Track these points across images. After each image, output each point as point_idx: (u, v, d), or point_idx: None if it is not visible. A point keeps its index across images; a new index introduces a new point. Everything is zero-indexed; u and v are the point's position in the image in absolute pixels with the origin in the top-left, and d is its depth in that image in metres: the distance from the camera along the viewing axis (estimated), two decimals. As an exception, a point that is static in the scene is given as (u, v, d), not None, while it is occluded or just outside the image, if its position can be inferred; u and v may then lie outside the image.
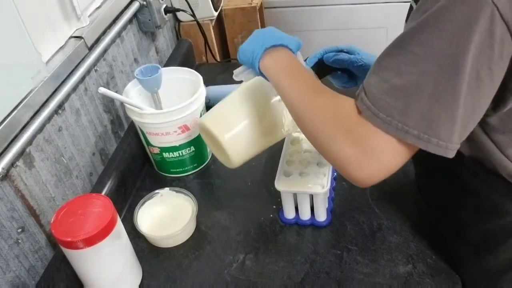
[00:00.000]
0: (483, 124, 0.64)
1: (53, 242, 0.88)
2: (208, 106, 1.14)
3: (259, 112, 0.84)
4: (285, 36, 0.75)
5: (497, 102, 0.59)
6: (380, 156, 0.58)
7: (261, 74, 0.75)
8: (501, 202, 0.70)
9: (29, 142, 0.83)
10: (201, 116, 1.05)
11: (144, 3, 1.22)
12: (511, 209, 0.69)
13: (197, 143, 1.08)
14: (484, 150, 0.67)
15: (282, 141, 0.99)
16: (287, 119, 0.86)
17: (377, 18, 1.86)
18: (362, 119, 0.58)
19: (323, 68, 0.90)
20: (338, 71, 0.91)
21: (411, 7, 0.74)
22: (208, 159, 1.14)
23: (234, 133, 0.84)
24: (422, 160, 0.84)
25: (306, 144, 0.98)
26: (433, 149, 0.56)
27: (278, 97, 0.83)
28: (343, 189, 0.99)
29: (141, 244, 0.95)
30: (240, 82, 0.85)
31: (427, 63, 0.54)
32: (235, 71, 0.83)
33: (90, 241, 0.74)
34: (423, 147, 0.56)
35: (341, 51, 0.89)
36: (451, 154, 0.57)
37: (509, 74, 0.55)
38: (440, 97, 0.54)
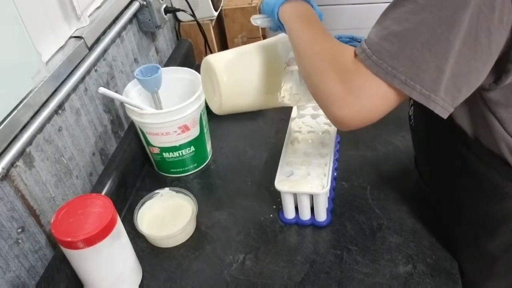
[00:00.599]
0: (486, 99, 0.64)
1: (53, 242, 0.88)
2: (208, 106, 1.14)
3: (264, 69, 0.85)
4: None
5: (499, 74, 0.60)
6: (364, 97, 0.59)
7: (279, 21, 0.79)
8: (501, 184, 0.70)
9: (29, 142, 0.83)
10: (201, 116, 1.05)
11: (144, 3, 1.22)
12: (511, 191, 0.70)
13: (197, 143, 1.08)
14: (488, 126, 0.67)
15: (282, 141, 0.99)
16: (285, 86, 0.86)
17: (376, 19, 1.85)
18: (356, 60, 0.60)
19: None
20: None
21: None
22: (208, 159, 1.14)
23: (234, 78, 0.84)
24: (425, 139, 0.85)
25: (306, 144, 0.98)
26: (416, 97, 0.57)
27: (285, 62, 0.85)
28: (343, 189, 0.99)
29: (141, 244, 0.95)
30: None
31: (427, 13, 0.55)
32: (254, 16, 0.87)
33: (90, 241, 0.74)
34: (407, 93, 0.57)
35: (356, 40, 0.93)
36: (435, 108, 0.58)
37: (511, 45, 0.56)
38: (432, 47, 0.55)
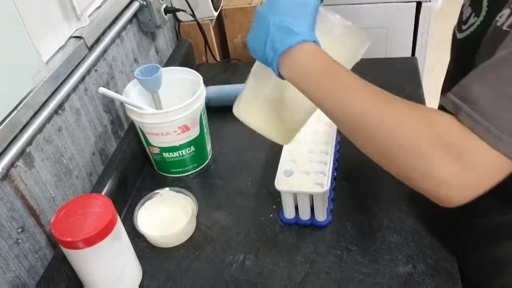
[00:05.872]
0: None
1: (53, 242, 0.88)
2: (208, 106, 1.14)
3: (296, 94, 0.71)
4: (299, 22, 0.61)
5: None
6: (483, 173, 0.53)
7: (280, 75, 0.65)
8: None
9: (29, 142, 0.83)
10: (201, 116, 1.05)
11: (144, 3, 1.22)
12: None
13: (197, 143, 1.08)
14: None
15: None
16: None
17: (377, 18, 1.86)
18: (467, 133, 0.52)
19: None
20: None
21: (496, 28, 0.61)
22: (208, 159, 1.14)
23: (274, 120, 0.78)
24: None
25: (306, 144, 0.98)
26: None
27: None
28: (343, 189, 0.99)
29: (141, 244, 0.95)
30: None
31: None
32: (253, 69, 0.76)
33: (90, 241, 0.74)
34: None
35: None
36: None
37: None
38: None
